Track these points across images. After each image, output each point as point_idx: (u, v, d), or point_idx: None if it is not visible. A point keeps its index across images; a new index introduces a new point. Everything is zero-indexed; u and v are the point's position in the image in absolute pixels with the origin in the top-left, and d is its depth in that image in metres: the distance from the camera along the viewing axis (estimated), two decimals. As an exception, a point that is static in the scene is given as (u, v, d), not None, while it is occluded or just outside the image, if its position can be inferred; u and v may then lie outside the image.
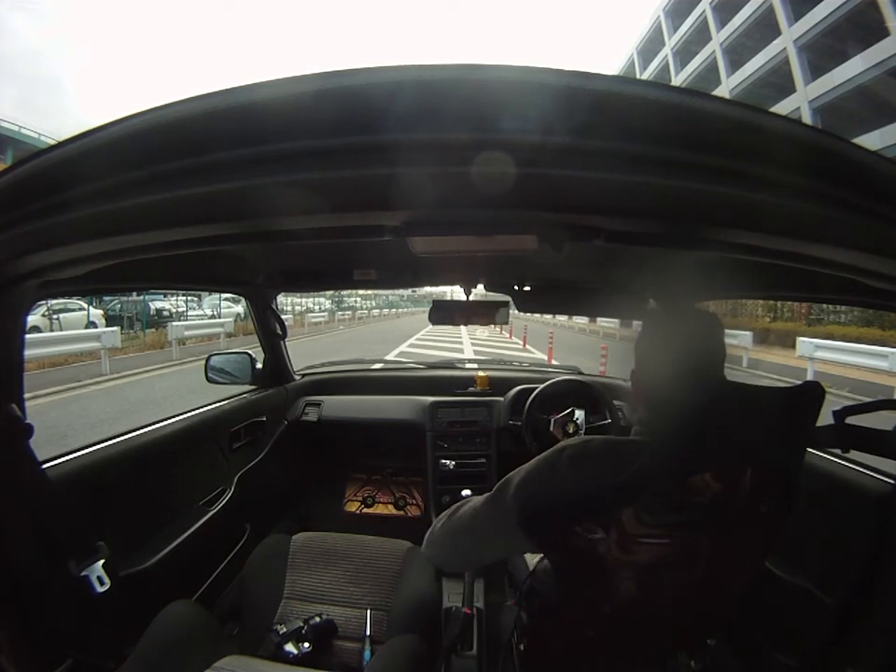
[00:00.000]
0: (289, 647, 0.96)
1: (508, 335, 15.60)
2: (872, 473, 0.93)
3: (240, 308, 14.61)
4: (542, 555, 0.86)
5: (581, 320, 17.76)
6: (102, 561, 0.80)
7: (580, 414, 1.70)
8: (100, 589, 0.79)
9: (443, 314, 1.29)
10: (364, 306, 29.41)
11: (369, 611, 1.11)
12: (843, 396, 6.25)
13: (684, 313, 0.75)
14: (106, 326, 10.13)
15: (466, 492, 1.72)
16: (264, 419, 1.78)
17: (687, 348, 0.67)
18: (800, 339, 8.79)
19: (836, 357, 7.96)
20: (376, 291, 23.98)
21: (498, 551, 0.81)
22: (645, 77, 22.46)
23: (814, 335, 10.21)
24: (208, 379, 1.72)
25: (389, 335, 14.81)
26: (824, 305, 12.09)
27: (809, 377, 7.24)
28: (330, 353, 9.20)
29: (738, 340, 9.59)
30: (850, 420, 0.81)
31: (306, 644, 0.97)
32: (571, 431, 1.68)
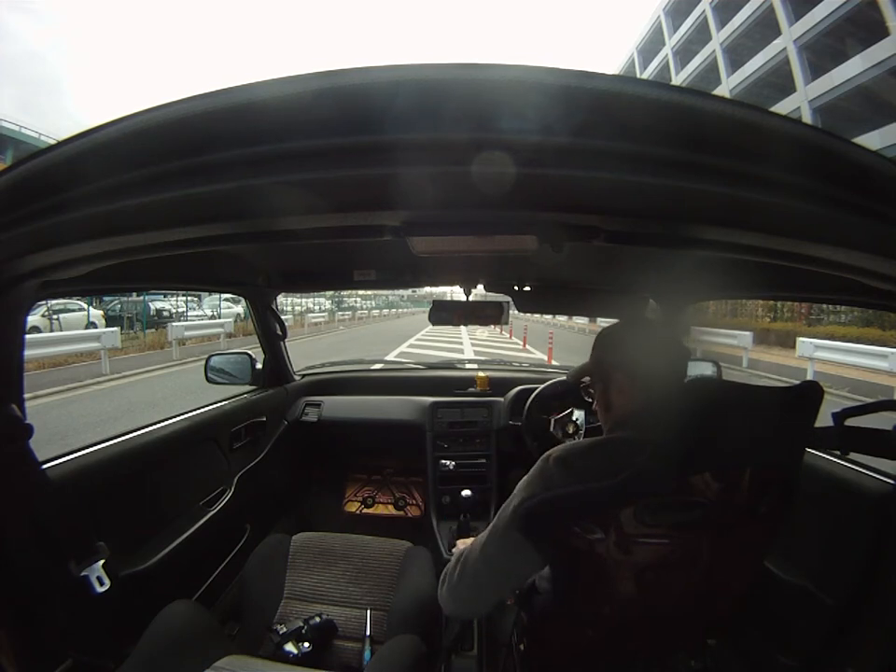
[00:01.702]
0: (289, 647, 0.96)
1: (508, 335, 15.61)
2: (872, 473, 0.93)
3: (240, 308, 14.61)
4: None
5: (581, 320, 17.75)
6: (102, 561, 0.80)
7: (579, 415, 1.70)
8: (100, 589, 0.79)
9: (443, 314, 1.29)
10: (364, 306, 29.41)
11: (369, 611, 1.11)
12: (843, 396, 6.25)
13: (653, 318, 0.80)
14: (106, 326, 10.14)
15: (466, 492, 1.73)
16: (264, 419, 1.78)
17: (669, 348, 0.73)
18: (800, 339, 8.79)
19: (836, 358, 7.96)
20: (376, 291, 23.98)
21: (519, 574, 0.75)
22: (645, 76, 22.44)
23: (814, 335, 10.21)
24: (208, 379, 1.72)
25: (389, 335, 14.81)
26: (824, 305, 12.09)
27: (809, 377, 7.24)
28: (331, 353, 9.19)
29: (738, 340, 9.57)
30: (850, 422, 0.80)
31: (306, 644, 0.97)
32: (571, 431, 1.68)
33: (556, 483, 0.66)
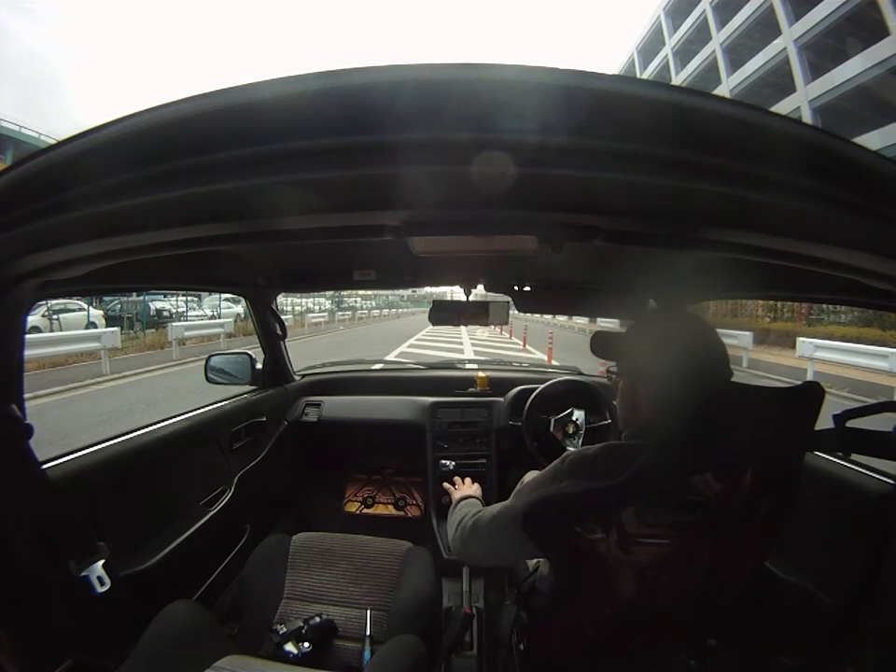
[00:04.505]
0: (289, 647, 0.96)
1: (508, 335, 15.60)
2: (872, 473, 0.93)
3: (240, 308, 14.61)
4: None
5: (582, 320, 17.74)
6: (102, 561, 0.81)
7: (579, 415, 1.70)
8: (100, 589, 0.79)
9: (443, 314, 1.29)
10: (364, 306, 29.42)
11: (369, 611, 1.11)
12: (843, 396, 6.25)
13: (675, 315, 0.77)
14: (106, 326, 10.14)
15: None
16: (264, 419, 1.78)
17: (686, 349, 0.68)
18: (800, 339, 8.79)
19: (836, 358, 7.96)
20: (376, 291, 23.99)
21: (517, 556, 0.84)
22: (645, 76, 22.44)
23: (814, 335, 10.21)
24: (208, 379, 1.72)
25: (389, 335, 14.81)
26: (824, 305, 12.08)
27: (809, 377, 7.24)
28: (331, 353, 9.19)
29: (738, 340, 9.56)
30: (850, 423, 0.80)
31: (306, 644, 0.97)
32: (571, 432, 1.68)
33: (565, 483, 0.66)
